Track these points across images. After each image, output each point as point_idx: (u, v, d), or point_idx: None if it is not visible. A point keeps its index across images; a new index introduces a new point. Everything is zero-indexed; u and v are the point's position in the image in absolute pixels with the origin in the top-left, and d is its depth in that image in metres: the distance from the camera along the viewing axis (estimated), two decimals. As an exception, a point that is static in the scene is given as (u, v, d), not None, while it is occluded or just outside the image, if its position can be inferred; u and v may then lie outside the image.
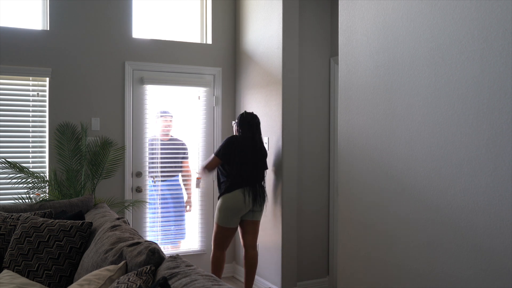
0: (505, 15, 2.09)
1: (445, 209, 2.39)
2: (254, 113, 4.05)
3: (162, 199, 4.66)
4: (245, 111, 4.03)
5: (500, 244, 2.12)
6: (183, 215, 4.77)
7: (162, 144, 4.63)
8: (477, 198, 2.22)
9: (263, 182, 3.96)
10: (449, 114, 2.36)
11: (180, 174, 4.73)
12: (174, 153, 4.70)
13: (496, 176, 2.13)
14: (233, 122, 4.10)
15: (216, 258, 3.95)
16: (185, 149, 4.75)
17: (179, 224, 4.76)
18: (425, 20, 2.50)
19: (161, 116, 4.63)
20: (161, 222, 4.66)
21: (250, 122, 3.91)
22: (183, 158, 4.75)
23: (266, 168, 4.01)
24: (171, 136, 4.70)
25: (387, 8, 2.75)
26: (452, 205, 2.35)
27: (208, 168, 3.97)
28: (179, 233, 4.78)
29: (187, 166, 4.77)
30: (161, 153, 4.62)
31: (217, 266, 3.96)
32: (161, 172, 4.62)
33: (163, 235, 4.68)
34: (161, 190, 4.65)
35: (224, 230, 3.87)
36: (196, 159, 4.79)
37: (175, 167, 4.72)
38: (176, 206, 4.74)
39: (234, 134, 4.03)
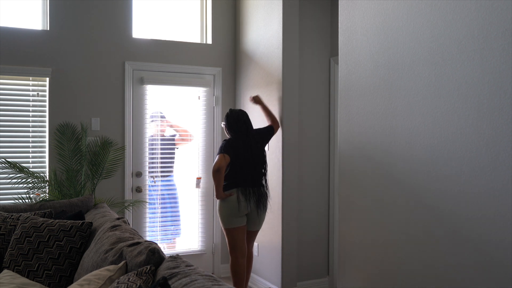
0: (505, 15, 2.09)
1: (445, 209, 2.39)
2: (240, 109, 3.89)
3: (161, 198, 4.67)
4: (230, 110, 3.83)
5: (500, 244, 2.12)
6: (178, 214, 4.77)
7: (161, 145, 4.65)
8: (477, 198, 2.22)
9: (264, 182, 3.78)
10: (449, 114, 2.36)
11: (173, 174, 4.73)
12: (170, 150, 4.72)
13: (496, 176, 2.13)
14: (222, 123, 3.88)
15: (233, 266, 3.68)
16: (174, 135, 4.78)
17: (175, 223, 4.76)
18: (425, 20, 2.50)
19: (155, 119, 4.66)
20: (161, 222, 4.66)
21: (237, 122, 3.72)
22: (176, 140, 4.77)
23: (265, 167, 3.81)
24: (164, 136, 4.71)
25: (387, 8, 2.75)
26: (452, 205, 2.35)
27: (218, 167, 3.53)
28: (175, 231, 4.79)
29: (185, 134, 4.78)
30: (161, 153, 4.63)
31: (237, 275, 3.67)
32: (161, 172, 4.63)
33: (162, 235, 4.68)
34: (161, 189, 4.65)
35: (231, 232, 3.67)
36: (196, 159, 4.79)
37: (172, 166, 4.72)
38: (172, 206, 4.75)
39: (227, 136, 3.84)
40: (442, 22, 2.40)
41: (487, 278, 2.17)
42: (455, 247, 2.33)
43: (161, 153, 4.64)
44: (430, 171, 2.47)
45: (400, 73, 2.66)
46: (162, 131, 4.70)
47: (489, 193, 2.17)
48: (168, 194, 4.74)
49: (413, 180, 2.57)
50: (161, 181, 4.67)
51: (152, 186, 4.60)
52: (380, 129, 2.81)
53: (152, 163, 4.60)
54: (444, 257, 2.39)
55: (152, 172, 4.60)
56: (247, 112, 3.92)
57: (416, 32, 2.56)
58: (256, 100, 4.12)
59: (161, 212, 4.67)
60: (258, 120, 4.27)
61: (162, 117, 4.72)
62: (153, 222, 4.62)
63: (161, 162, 4.63)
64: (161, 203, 4.69)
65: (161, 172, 4.64)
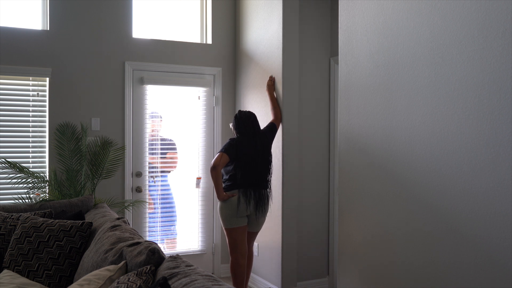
0: (505, 15, 2.09)
1: (445, 208, 2.39)
2: (249, 110, 3.92)
3: (160, 198, 4.67)
4: (239, 111, 3.87)
5: (500, 244, 2.12)
6: (174, 214, 4.76)
7: (162, 144, 4.64)
8: (477, 198, 2.22)
9: (268, 186, 3.79)
10: (449, 114, 2.36)
11: (168, 174, 4.72)
12: (163, 151, 4.72)
13: (496, 176, 2.13)
14: (230, 124, 3.93)
15: (233, 266, 3.68)
16: (173, 144, 4.74)
17: (170, 224, 4.76)
18: (425, 20, 2.50)
19: (151, 117, 4.65)
20: (161, 221, 4.67)
21: (245, 123, 3.76)
22: (171, 150, 4.73)
23: (269, 168, 3.81)
24: (161, 136, 4.69)
25: (387, 8, 2.75)
26: (452, 204, 2.35)
27: (214, 164, 3.56)
28: (172, 232, 4.78)
29: (174, 157, 4.74)
30: (161, 153, 4.64)
31: (237, 275, 3.67)
32: (161, 172, 4.64)
33: (162, 235, 4.68)
34: (159, 189, 4.66)
35: (231, 232, 3.67)
36: (196, 159, 4.79)
37: (166, 166, 4.72)
38: (167, 206, 4.75)
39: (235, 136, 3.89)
40: (442, 22, 2.40)
41: (487, 277, 2.17)
42: (455, 246, 2.33)
43: (161, 153, 4.64)
44: (430, 170, 2.47)
45: (400, 73, 2.66)
46: (157, 131, 4.69)
47: (488, 192, 2.17)
48: (162, 194, 4.72)
49: (413, 180, 2.57)
50: (157, 180, 4.66)
51: (152, 186, 4.60)
52: (380, 129, 2.81)
53: (152, 163, 4.60)
54: (444, 256, 2.39)
55: (152, 172, 4.60)
56: (253, 111, 3.94)
57: (416, 32, 2.56)
58: (270, 88, 4.10)
59: (160, 212, 4.66)
60: (263, 119, 4.23)
61: (159, 116, 4.70)
62: (153, 222, 4.62)
63: (161, 162, 4.64)
64: (160, 203, 4.69)
65: (161, 172, 4.64)
